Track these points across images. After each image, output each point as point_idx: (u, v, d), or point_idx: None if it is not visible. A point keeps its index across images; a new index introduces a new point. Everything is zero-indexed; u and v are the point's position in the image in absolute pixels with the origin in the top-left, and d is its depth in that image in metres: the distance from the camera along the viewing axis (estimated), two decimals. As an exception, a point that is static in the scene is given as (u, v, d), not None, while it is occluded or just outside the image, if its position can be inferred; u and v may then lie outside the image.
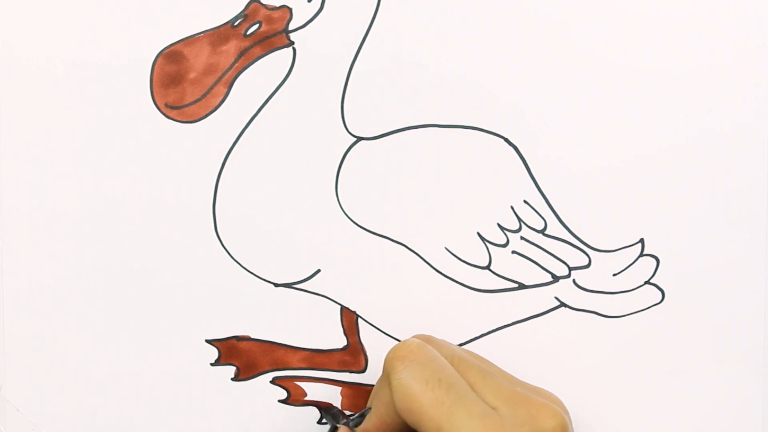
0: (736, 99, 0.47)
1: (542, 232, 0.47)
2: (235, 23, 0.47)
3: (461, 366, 0.43)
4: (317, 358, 0.48)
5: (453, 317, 0.47)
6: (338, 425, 0.45)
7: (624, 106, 0.47)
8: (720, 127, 0.47)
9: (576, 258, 0.47)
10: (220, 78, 0.47)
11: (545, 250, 0.47)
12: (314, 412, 0.48)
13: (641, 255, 0.47)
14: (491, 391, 0.42)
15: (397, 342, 0.47)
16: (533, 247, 0.47)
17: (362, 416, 0.44)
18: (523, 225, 0.47)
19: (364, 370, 0.48)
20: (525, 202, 0.47)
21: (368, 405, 0.45)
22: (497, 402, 0.42)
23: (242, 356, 0.48)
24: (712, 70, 0.47)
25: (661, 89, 0.47)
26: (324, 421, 0.48)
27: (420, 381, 0.41)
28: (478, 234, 0.47)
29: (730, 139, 0.47)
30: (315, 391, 0.48)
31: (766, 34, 0.47)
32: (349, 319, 0.48)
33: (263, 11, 0.47)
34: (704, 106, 0.47)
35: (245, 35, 0.47)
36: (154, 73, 0.47)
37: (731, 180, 0.47)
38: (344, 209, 0.47)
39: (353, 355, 0.48)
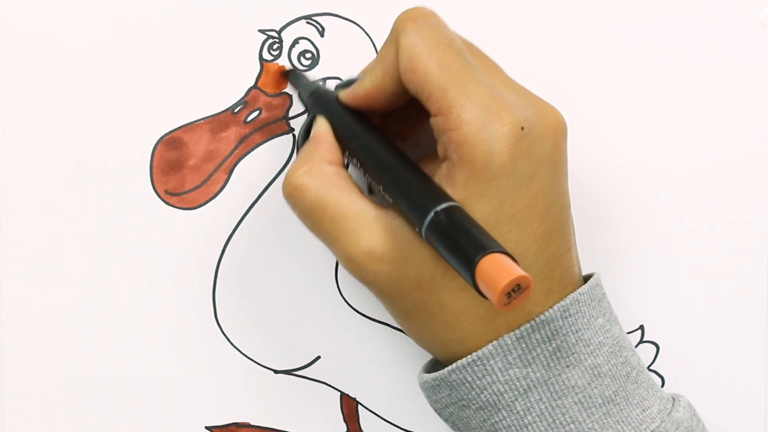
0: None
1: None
2: (235, 110, 0.47)
3: (474, 51, 0.41)
4: (317, 444, 0.48)
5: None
6: (302, 81, 0.44)
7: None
8: (720, 219, 0.47)
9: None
10: (220, 165, 0.47)
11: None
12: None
13: (641, 342, 0.48)
14: (501, 79, 0.40)
15: (398, 429, 0.48)
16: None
17: (348, 83, 0.43)
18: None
19: (364, 456, 0.48)
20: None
21: (361, 76, 0.42)
22: (506, 89, 0.40)
23: (242, 443, 0.48)
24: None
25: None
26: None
27: (430, 42, 0.38)
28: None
29: (732, 235, 0.47)
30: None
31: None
32: (349, 406, 0.48)
33: (263, 98, 0.47)
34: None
35: (245, 122, 0.47)
36: (154, 159, 0.47)
37: (733, 269, 0.47)
38: (344, 296, 0.47)
39: (353, 439, 0.48)
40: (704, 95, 0.47)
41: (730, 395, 0.47)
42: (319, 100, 0.44)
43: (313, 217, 0.40)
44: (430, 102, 0.38)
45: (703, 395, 0.47)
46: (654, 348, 0.48)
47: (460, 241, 0.35)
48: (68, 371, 0.47)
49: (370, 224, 0.39)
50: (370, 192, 0.43)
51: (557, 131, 0.39)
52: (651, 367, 0.48)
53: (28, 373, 0.47)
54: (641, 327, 0.47)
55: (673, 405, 0.41)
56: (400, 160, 0.40)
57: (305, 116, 0.47)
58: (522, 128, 0.38)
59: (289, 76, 0.46)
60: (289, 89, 0.47)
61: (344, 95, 0.42)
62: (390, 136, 0.42)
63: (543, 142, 0.39)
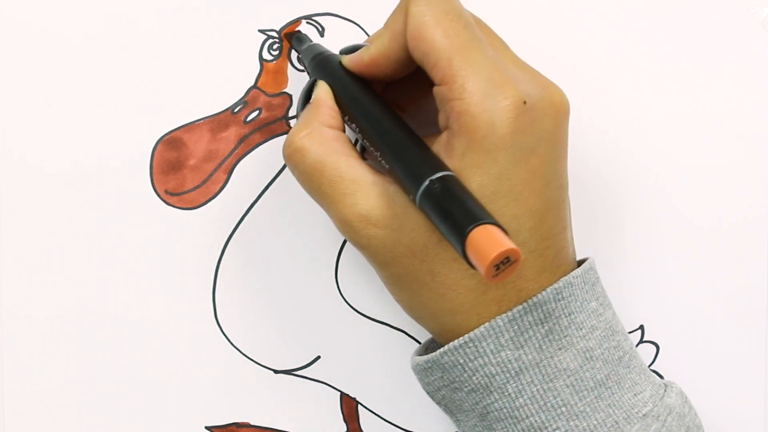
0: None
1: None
2: (235, 110, 0.47)
3: (483, 27, 0.41)
4: (317, 444, 0.48)
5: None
6: (304, 45, 0.44)
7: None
8: (720, 222, 0.47)
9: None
10: (220, 164, 0.47)
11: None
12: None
13: (641, 342, 0.48)
14: (507, 56, 0.40)
15: (398, 429, 0.48)
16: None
17: (355, 48, 0.42)
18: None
19: (364, 456, 0.48)
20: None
21: (366, 44, 0.42)
22: (511, 64, 0.40)
23: (242, 443, 0.48)
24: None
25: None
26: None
27: (440, 11, 0.38)
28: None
29: (732, 235, 0.47)
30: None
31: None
32: (349, 406, 0.48)
33: (263, 98, 0.47)
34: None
35: (245, 122, 0.47)
36: (154, 159, 0.47)
37: (733, 269, 0.47)
38: (344, 296, 0.47)
39: (353, 439, 0.48)
40: (704, 95, 0.47)
41: (730, 395, 0.47)
42: (321, 65, 0.43)
43: (311, 179, 0.40)
44: (435, 70, 0.38)
45: (703, 395, 0.47)
46: (654, 348, 0.48)
47: (453, 211, 0.35)
48: (68, 371, 0.47)
49: (367, 189, 0.39)
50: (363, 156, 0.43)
51: (560, 110, 0.39)
52: (651, 367, 0.48)
53: (28, 373, 0.47)
54: (641, 327, 0.47)
55: (665, 391, 0.41)
56: (399, 128, 0.40)
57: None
58: (524, 103, 0.38)
59: (292, 38, 0.46)
60: (289, 88, 0.47)
61: (348, 60, 0.42)
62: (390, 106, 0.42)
63: (544, 118, 0.39)
